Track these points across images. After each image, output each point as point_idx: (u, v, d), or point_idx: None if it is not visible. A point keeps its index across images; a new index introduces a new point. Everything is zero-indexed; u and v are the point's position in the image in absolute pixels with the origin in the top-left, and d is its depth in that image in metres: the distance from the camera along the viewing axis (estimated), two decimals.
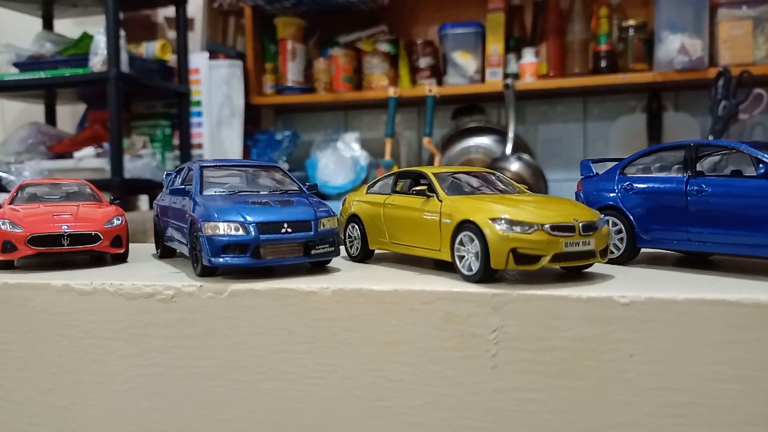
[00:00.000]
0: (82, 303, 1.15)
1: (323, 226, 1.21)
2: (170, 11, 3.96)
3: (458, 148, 4.14)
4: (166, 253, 1.50)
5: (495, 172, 1.40)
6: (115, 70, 3.32)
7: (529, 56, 3.91)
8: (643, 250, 1.32)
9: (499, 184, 1.35)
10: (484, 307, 1.03)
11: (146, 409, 1.14)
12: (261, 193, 1.31)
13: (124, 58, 3.45)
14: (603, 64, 3.81)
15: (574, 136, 4.08)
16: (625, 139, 3.96)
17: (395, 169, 4.05)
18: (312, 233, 1.18)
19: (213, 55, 4.01)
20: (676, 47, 3.61)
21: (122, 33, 3.45)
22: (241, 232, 1.14)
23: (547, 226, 1.09)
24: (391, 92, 3.92)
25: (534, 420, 1.03)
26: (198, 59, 3.98)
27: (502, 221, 1.09)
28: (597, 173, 1.41)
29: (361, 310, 1.07)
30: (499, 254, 1.08)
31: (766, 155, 1.12)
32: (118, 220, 1.38)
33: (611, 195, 1.31)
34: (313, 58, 4.14)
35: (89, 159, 3.60)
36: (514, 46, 4.00)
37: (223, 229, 1.14)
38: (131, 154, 3.70)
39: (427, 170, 1.31)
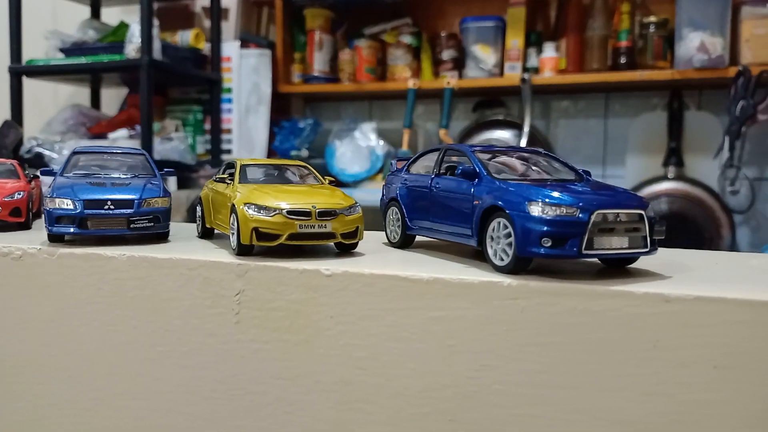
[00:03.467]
0: None
1: (147, 204, 1.52)
2: (207, 1, 4.37)
3: (476, 141, 4.33)
4: None
5: (307, 166, 1.66)
6: (147, 58, 3.75)
7: (549, 51, 4.03)
8: None
9: (299, 175, 1.61)
10: (231, 274, 1.32)
11: (3, 346, 1.52)
12: (111, 175, 1.65)
13: (156, 46, 3.87)
14: (622, 60, 3.87)
15: (595, 133, 4.16)
16: (645, 137, 4.01)
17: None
18: (132, 210, 1.50)
19: (244, 44, 4.39)
20: (695, 45, 3.63)
21: (156, 22, 3.89)
22: (70, 206, 1.48)
23: (285, 211, 1.35)
24: (411, 84, 4.17)
25: (262, 365, 1.32)
26: (230, 48, 4.38)
27: (251, 206, 1.36)
28: (397, 169, 1.64)
29: (146, 273, 1.38)
30: (245, 232, 1.35)
31: (476, 159, 1.32)
32: (19, 194, 1.74)
33: (396, 189, 1.55)
34: (340, 49, 4.44)
35: (122, 140, 4.07)
36: (535, 40, 4.12)
37: (58, 204, 1.48)
38: (162, 137, 4.15)
39: (241, 161, 1.60)
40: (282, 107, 4.59)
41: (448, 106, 4.07)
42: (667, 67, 3.76)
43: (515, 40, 4.09)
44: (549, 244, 1.12)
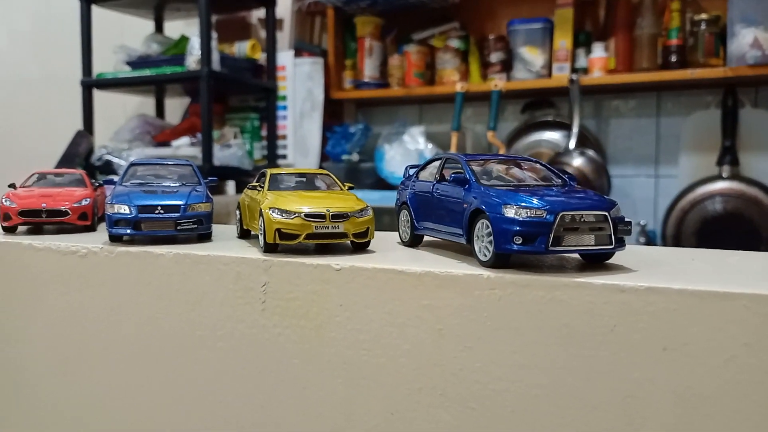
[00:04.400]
0: (35, 257, 1.83)
1: (192, 209, 1.79)
2: (262, 13, 4.70)
3: (525, 142, 4.49)
4: None
5: (329, 174, 1.90)
6: (206, 69, 4.09)
7: (598, 51, 4.16)
8: None
9: (322, 183, 1.86)
10: (258, 269, 1.57)
11: (70, 334, 1.81)
12: (162, 183, 1.93)
13: (215, 57, 4.22)
14: (673, 59, 3.96)
15: (647, 132, 4.25)
16: (698, 135, 4.08)
17: None
18: (179, 214, 1.78)
19: (298, 53, 4.70)
20: (748, 41, 3.70)
21: (214, 35, 4.23)
22: (126, 211, 1.76)
23: (303, 214, 1.59)
24: (458, 87, 4.37)
25: (282, 348, 1.55)
26: (284, 57, 4.70)
27: (275, 210, 1.61)
28: (410, 176, 1.85)
29: (188, 268, 1.64)
30: (270, 233, 1.60)
31: (468, 167, 1.53)
32: (86, 201, 2.05)
33: (406, 194, 1.77)
34: (389, 54, 4.69)
35: (185, 147, 4.44)
36: (584, 40, 4.26)
37: (116, 209, 1.76)
38: (221, 144, 4.49)
39: (272, 170, 1.85)
40: (335, 112, 4.87)
41: (496, 108, 4.24)
42: (720, 65, 3.82)
43: (563, 41, 4.24)
44: (520, 241, 1.33)
